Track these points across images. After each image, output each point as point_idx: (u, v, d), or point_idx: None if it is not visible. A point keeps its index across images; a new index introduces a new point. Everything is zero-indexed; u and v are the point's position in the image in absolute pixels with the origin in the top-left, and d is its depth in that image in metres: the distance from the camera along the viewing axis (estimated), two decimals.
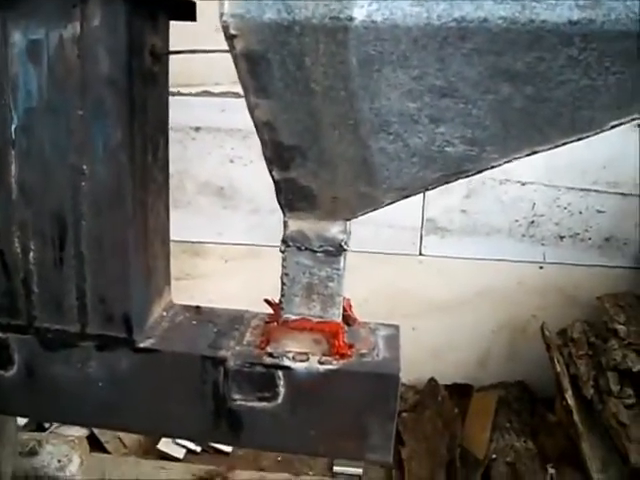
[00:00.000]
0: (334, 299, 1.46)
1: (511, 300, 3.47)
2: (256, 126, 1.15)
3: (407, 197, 1.31)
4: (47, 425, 2.96)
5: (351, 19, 0.96)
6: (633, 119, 1.08)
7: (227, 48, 1.58)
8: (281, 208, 1.38)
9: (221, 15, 0.98)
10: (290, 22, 0.97)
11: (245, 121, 3.21)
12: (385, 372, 1.47)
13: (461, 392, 3.50)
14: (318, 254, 1.41)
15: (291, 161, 1.21)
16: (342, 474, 2.92)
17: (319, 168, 1.22)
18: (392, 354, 1.54)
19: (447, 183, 1.27)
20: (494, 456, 2.98)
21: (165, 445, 3.07)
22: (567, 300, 3.43)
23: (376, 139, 1.13)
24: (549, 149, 1.16)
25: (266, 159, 1.23)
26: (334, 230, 1.40)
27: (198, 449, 3.07)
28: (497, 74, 1.01)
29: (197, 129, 3.24)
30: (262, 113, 1.12)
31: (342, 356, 1.48)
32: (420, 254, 3.43)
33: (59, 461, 2.25)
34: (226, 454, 3.04)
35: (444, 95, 1.04)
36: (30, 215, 1.46)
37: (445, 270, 3.42)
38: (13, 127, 1.42)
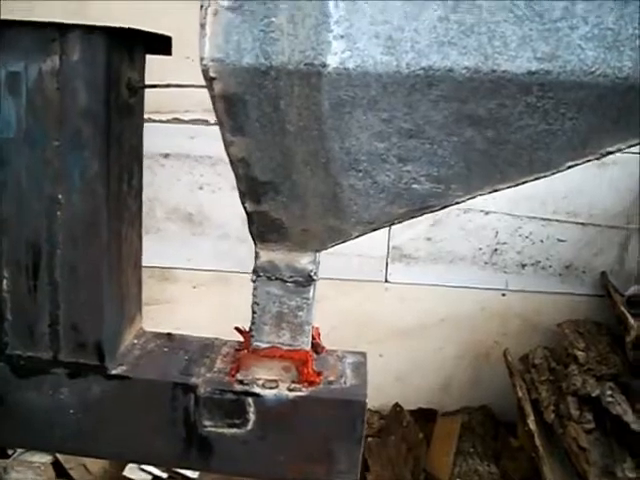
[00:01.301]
0: (303, 328, 1.50)
1: (475, 326, 3.53)
2: (231, 161, 1.20)
3: (375, 230, 1.36)
4: (11, 452, 2.95)
5: (324, 65, 1.01)
6: (588, 160, 1.15)
7: (198, 83, 1.64)
8: (252, 238, 1.42)
9: (202, 59, 1.03)
10: (267, 67, 1.02)
11: (214, 148, 3.24)
12: (352, 399, 1.51)
13: (426, 417, 3.55)
14: (288, 284, 1.46)
15: (264, 195, 1.25)
16: None
17: (290, 202, 1.26)
18: (359, 381, 1.58)
19: (413, 217, 1.33)
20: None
21: (131, 471, 3.06)
22: (529, 326, 3.51)
23: (346, 176, 1.18)
24: (509, 187, 1.22)
25: (240, 192, 1.27)
26: (304, 261, 1.44)
27: (164, 475, 3.07)
28: (461, 118, 1.07)
29: (166, 156, 3.27)
30: (237, 150, 1.16)
31: (311, 383, 1.52)
32: (386, 281, 3.48)
33: None
34: None
35: (411, 136, 1.10)
36: (5, 244, 1.49)
37: (410, 297, 3.48)
38: None
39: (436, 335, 3.54)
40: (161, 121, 3.18)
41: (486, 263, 3.44)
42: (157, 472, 3.07)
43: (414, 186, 1.20)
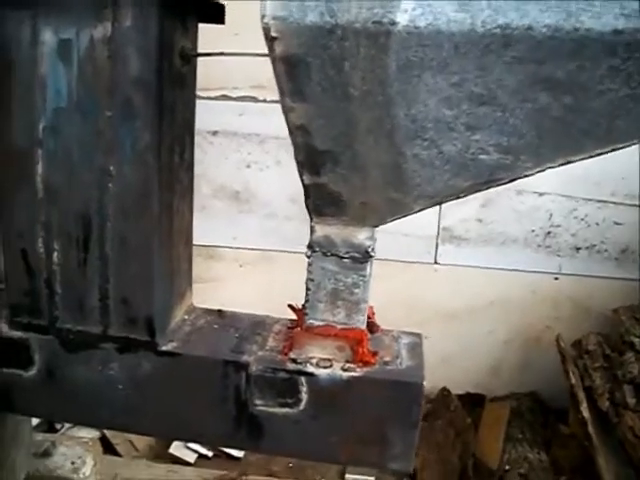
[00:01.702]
0: (359, 306, 1.45)
1: (525, 310, 3.45)
2: (290, 129, 1.14)
3: (437, 204, 1.30)
4: (59, 426, 2.96)
5: (394, 24, 0.95)
6: None
7: (251, 52, 1.59)
8: (309, 213, 1.37)
9: (262, 17, 0.98)
10: (332, 26, 0.96)
11: (262, 126, 3.22)
12: (408, 380, 1.46)
13: (473, 402, 3.49)
14: (344, 260, 1.41)
15: (323, 166, 1.20)
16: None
17: (350, 173, 1.21)
18: (415, 362, 1.52)
19: (478, 191, 1.26)
20: (507, 467, 2.96)
21: (177, 449, 3.06)
22: (581, 311, 3.42)
23: (410, 145, 1.12)
24: (583, 159, 1.15)
25: (297, 163, 1.22)
26: (361, 236, 1.39)
27: (210, 454, 3.07)
28: (536, 82, 1.00)
29: (215, 133, 3.24)
30: (297, 117, 1.11)
31: (365, 363, 1.46)
32: (435, 262, 3.42)
33: (73, 463, 2.23)
34: (237, 459, 3.03)
35: (482, 103, 1.03)
36: (55, 215, 1.46)
37: (460, 279, 3.41)
38: (41, 127, 1.41)
39: (485, 318, 3.47)
40: (209, 98, 3.14)
41: (539, 246, 3.36)
42: (203, 450, 3.07)
43: (481, 157, 1.14)
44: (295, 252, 3.40)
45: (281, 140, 3.24)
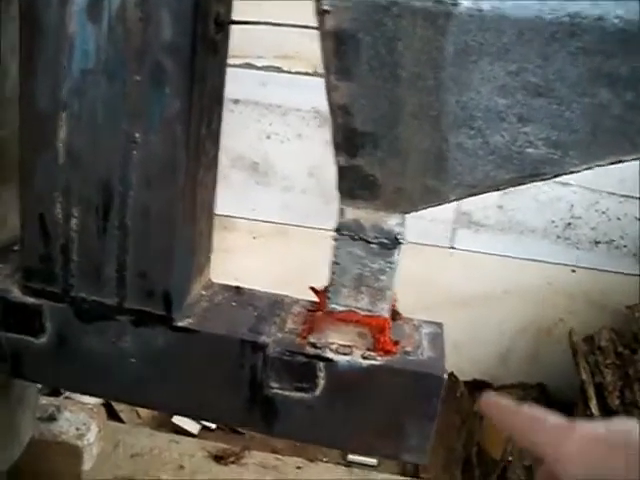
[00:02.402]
0: (384, 293, 1.40)
1: (539, 301, 3.41)
2: (331, 109, 1.09)
3: (473, 195, 1.24)
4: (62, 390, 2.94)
5: (456, 4, 0.89)
6: None
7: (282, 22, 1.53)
8: (339, 194, 1.32)
9: None
10: (389, 2, 0.90)
11: (285, 97, 3.16)
12: (430, 372, 1.42)
13: (480, 389, 3.45)
14: (372, 245, 1.36)
15: (361, 148, 1.14)
16: (356, 463, 2.89)
17: (389, 157, 1.15)
18: (437, 353, 1.48)
19: (518, 185, 1.21)
20: (510, 458, 2.93)
21: (180, 419, 3.04)
22: (596, 306, 3.37)
23: (456, 133, 1.07)
24: (635, 159, 1.10)
25: (334, 144, 1.16)
26: (392, 222, 1.34)
27: (213, 426, 3.04)
28: (598, 77, 0.95)
29: (236, 101, 3.17)
30: (340, 96, 1.05)
31: (386, 352, 1.42)
32: (451, 247, 3.37)
33: (77, 429, 2.21)
34: (241, 434, 3.00)
35: (539, 94, 0.98)
36: (76, 181, 1.41)
37: (475, 265, 3.36)
38: (65, 89, 1.35)
39: (498, 306, 3.42)
40: (233, 65, 3.07)
41: (558, 237, 3.30)
42: (206, 422, 3.04)
43: (528, 150, 1.08)
44: (310, 227, 3.39)
45: (303, 113, 3.18)
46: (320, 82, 3.02)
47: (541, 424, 0.72)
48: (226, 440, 2.81)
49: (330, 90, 1.05)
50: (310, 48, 3.12)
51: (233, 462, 2.64)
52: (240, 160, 3.28)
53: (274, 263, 3.25)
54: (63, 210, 1.43)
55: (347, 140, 1.14)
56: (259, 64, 3.14)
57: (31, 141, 1.42)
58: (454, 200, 1.26)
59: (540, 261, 3.32)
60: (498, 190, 1.23)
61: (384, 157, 1.16)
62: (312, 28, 1.37)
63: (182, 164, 1.35)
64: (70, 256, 1.46)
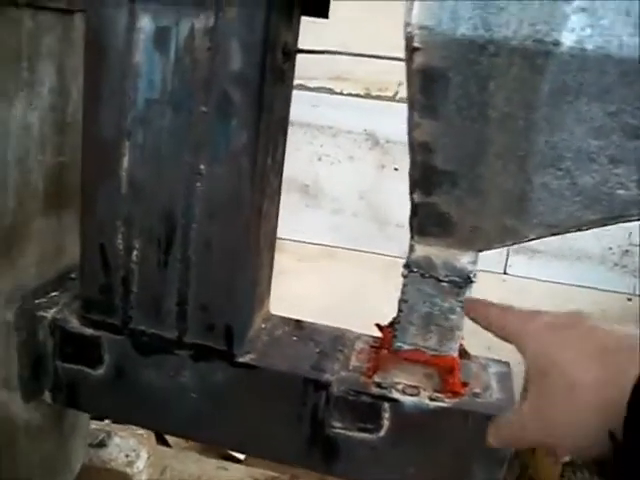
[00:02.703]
0: (453, 333, 1.35)
1: None
2: (411, 145, 1.04)
3: (553, 235, 1.19)
4: None
5: (557, 44, 0.84)
6: None
7: (357, 52, 1.49)
8: (411, 230, 1.27)
9: (407, 25, 0.87)
10: (485, 40, 0.85)
11: (337, 119, 3.11)
12: (500, 415, 1.36)
13: None
14: (443, 284, 1.31)
15: (438, 186, 1.10)
16: None
17: (467, 196, 1.10)
18: (506, 395, 1.42)
19: (602, 226, 1.15)
20: None
21: None
22: None
23: (542, 174, 1.02)
24: None
25: (411, 180, 1.12)
26: (464, 260, 1.29)
27: None
28: None
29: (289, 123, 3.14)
30: (422, 133, 1.01)
31: (455, 394, 1.37)
32: (504, 273, 3.29)
33: (127, 456, 2.18)
34: None
35: (636, 136, 0.92)
36: (138, 211, 1.38)
37: (528, 292, 3.28)
38: (130, 117, 1.33)
39: None
40: None
41: (615, 264, 3.21)
42: None
43: (619, 191, 1.02)
44: (359, 250, 3.34)
45: (355, 135, 3.14)
46: (372, 104, 2.99)
47: (510, 313, 0.86)
48: (273, 467, 2.75)
49: (412, 127, 1.00)
50: (362, 70, 3.09)
51: None
52: (291, 182, 3.24)
53: (321, 285, 3.21)
54: (124, 241, 1.40)
55: (425, 177, 1.09)
56: (311, 85, 3.10)
57: (94, 169, 1.39)
58: (533, 239, 1.21)
59: (595, 288, 3.23)
60: (580, 230, 1.17)
61: (462, 196, 1.11)
62: (386, 58, 1.34)
63: (247, 197, 1.32)
64: (130, 288, 1.43)
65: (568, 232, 1.17)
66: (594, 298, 3.25)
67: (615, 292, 3.24)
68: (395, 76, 2.95)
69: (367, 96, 3.06)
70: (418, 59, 0.90)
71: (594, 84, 0.87)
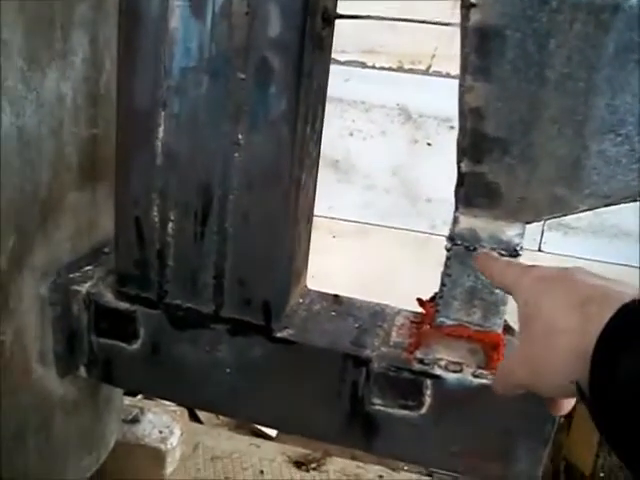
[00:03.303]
0: (498, 307, 1.30)
1: None
2: (461, 111, 1.00)
3: (606, 206, 1.14)
4: None
5: None
6: None
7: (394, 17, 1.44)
8: (456, 201, 1.23)
9: None
10: None
11: (369, 93, 3.06)
12: None
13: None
14: None
15: (488, 154, 1.05)
16: (439, 473, 2.79)
17: (518, 164, 1.06)
18: None
19: None
20: (602, 475, 2.80)
21: None
22: None
23: (600, 139, 0.97)
24: None
25: (458, 148, 1.07)
26: (511, 232, 1.24)
27: None
28: None
29: None
30: (474, 98, 0.96)
31: None
32: (539, 250, 3.23)
33: (160, 432, 2.18)
34: None
35: None
36: (174, 183, 1.35)
37: None
38: (165, 86, 1.29)
39: None
40: None
41: None
42: None
43: None
44: (392, 227, 3.30)
45: (387, 109, 3.08)
46: (405, 78, 2.92)
47: (510, 266, 0.93)
48: (305, 444, 2.74)
49: (464, 91, 0.96)
50: (395, 43, 3.03)
51: (314, 469, 2.58)
52: (321, 158, 3.20)
53: (355, 262, 3.17)
54: (160, 213, 1.37)
55: (474, 145, 1.04)
56: (342, 59, 3.05)
57: (128, 141, 1.36)
58: (583, 211, 1.16)
59: (633, 266, 3.16)
60: (635, 201, 1.12)
61: (512, 164, 1.06)
62: (428, 23, 1.29)
63: (286, 167, 1.28)
64: (166, 262, 1.40)
65: (620, 203, 1.12)
66: (632, 276, 3.18)
67: None
68: (429, 49, 2.89)
69: (400, 69, 3.00)
70: (474, 16, 0.85)
71: None
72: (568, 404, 0.83)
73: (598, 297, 0.70)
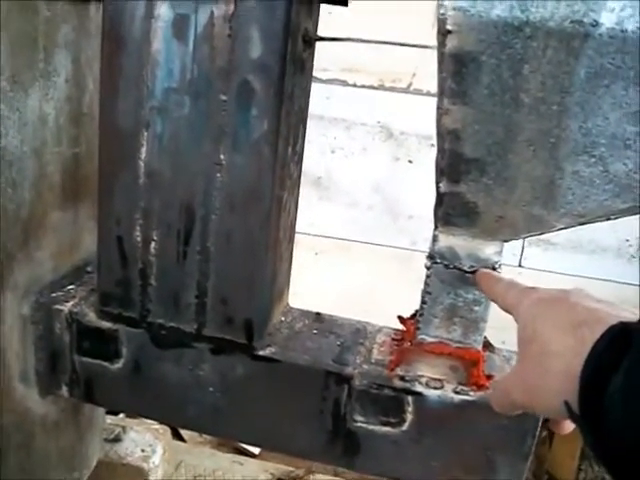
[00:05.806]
0: (478, 325, 1.32)
1: None
2: (439, 133, 1.02)
3: (581, 224, 1.17)
4: None
5: (596, 25, 0.81)
6: None
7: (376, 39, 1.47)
8: (435, 220, 1.25)
9: (439, 6, 0.85)
10: (522, 22, 0.83)
11: (350, 111, 3.09)
12: None
13: (546, 420, 3.33)
14: (467, 275, 1.28)
15: (466, 175, 1.07)
16: None
17: (495, 185, 1.08)
18: None
19: (630, 215, 1.13)
20: None
21: None
22: None
23: (573, 161, 0.99)
24: None
25: (437, 169, 1.09)
26: (489, 251, 1.26)
27: None
28: None
29: None
30: (451, 120, 0.98)
31: (480, 387, 1.34)
32: (519, 265, 3.26)
33: (143, 450, 2.17)
34: None
35: None
36: (156, 203, 1.36)
37: (544, 284, 3.24)
38: (148, 107, 1.31)
39: None
40: None
41: (632, 256, 3.18)
42: None
43: None
44: (373, 244, 3.32)
45: (369, 127, 3.12)
46: (386, 96, 2.95)
47: (512, 288, 0.99)
48: (288, 461, 2.74)
49: (441, 114, 0.98)
50: (376, 61, 3.05)
51: None
52: (303, 175, 3.22)
53: (337, 279, 3.19)
54: (143, 233, 1.38)
55: (452, 166, 1.06)
56: (324, 77, 3.08)
57: (111, 160, 1.37)
58: (560, 229, 1.19)
59: (612, 281, 3.20)
60: (608, 220, 1.15)
61: (490, 184, 1.08)
62: (407, 45, 1.31)
63: (268, 187, 1.30)
64: (149, 281, 1.41)
65: (596, 222, 1.14)
66: (612, 291, 3.22)
67: (633, 285, 3.21)
68: (409, 67, 2.92)
69: (380, 87, 3.03)
70: (450, 42, 0.87)
71: (633, 67, 0.84)
72: (570, 423, 0.84)
73: (592, 320, 0.71)
